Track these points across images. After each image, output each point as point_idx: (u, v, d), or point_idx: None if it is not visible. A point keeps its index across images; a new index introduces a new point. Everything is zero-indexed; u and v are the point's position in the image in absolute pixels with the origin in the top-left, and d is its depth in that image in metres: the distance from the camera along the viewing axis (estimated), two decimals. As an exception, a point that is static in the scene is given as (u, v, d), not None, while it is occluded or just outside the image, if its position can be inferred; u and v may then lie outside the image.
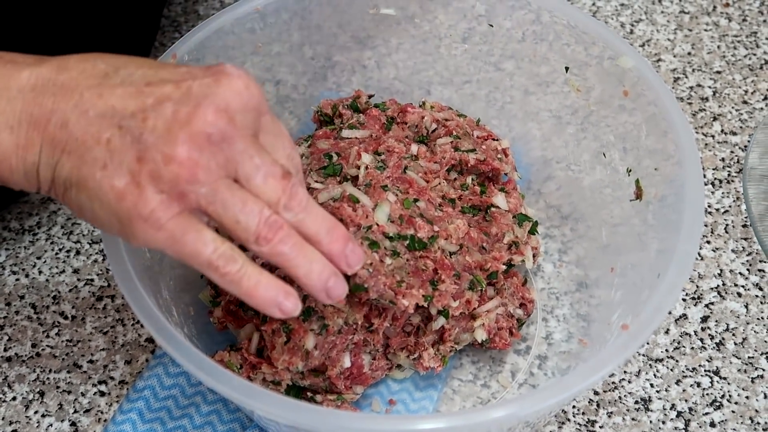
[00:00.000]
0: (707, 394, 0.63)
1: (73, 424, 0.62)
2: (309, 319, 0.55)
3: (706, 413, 0.62)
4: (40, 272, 0.69)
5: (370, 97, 0.70)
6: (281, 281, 0.47)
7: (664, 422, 0.62)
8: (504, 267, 0.61)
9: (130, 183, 0.42)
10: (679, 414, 0.62)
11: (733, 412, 0.62)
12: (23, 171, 0.45)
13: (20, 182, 0.45)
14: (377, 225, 0.57)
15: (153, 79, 0.44)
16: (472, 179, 0.65)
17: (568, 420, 0.62)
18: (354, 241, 0.49)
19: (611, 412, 0.62)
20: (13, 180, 0.45)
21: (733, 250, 0.71)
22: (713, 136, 0.78)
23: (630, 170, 0.62)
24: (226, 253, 0.44)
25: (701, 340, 0.66)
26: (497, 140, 0.68)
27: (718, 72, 0.83)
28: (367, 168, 0.61)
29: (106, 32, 0.68)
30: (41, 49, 0.62)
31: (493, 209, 0.64)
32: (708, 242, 0.71)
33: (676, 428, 0.61)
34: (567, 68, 0.66)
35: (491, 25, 0.68)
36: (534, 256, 0.64)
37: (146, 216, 0.42)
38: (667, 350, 0.65)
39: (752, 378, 0.64)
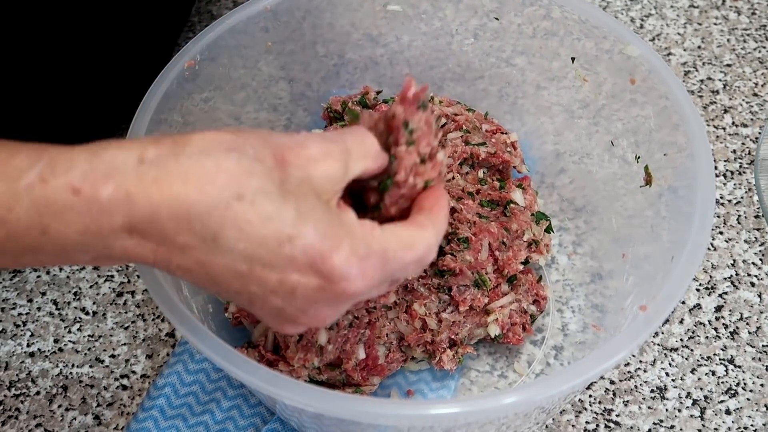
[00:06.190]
0: (722, 383, 0.64)
1: (96, 417, 0.62)
2: None
3: (722, 401, 0.63)
4: (60, 269, 0.70)
5: (378, 93, 0.70)
6: None
7: (680, 410, 0.62)
8: (521, 267, 0.62)
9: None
10: (694, 402, 0.63)
11: (748, 399, 0.63)
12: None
13: None
14: None
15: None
16: (484, 172, 0.66)
17: (585, 409, 0.62)
18: None
19: (627, 401, 0.63)
20: None
21: (745, 241, 0.71)
22: (724, 129, 0.79)
23: (638, 157, 0.63)
24: None
25: (715, 329, 0.67)
26: (506, 133, 0.69)
27: (728, 65, 0.83)
28: None
29: (135, 24, 0.69)
30: (70, 38, 0.62)
31: (512, 205, 0.64)
32: (720, 233, 0.72)
33: (692, 416, 0.62)
34: (573, 59, 0.67)
35: (497, 19, 0.69)
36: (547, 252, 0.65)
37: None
38: (681, 339, 0.66)
39: (766, 366, 0.64)
